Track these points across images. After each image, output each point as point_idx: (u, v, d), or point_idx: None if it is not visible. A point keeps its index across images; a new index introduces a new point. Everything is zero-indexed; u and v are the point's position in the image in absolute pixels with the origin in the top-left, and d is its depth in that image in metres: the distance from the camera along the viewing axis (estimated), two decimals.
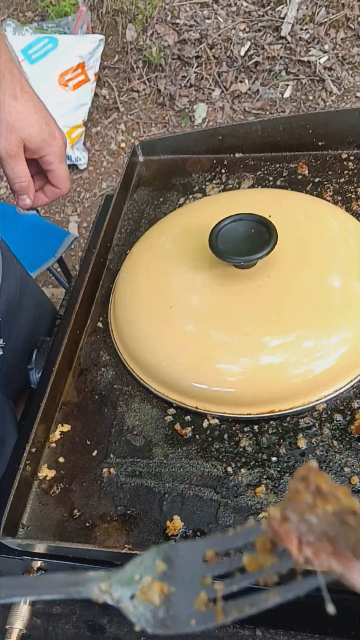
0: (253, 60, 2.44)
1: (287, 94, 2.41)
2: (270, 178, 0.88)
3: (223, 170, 0.91)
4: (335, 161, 0.88)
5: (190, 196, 0.89)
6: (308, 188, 0.86)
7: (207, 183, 0.90)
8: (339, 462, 0.61)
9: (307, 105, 2.37)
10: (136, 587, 0.38)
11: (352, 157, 0.88)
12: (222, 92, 2.43)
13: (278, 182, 0.88)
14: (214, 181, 0.90)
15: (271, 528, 0.35)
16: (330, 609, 0.32)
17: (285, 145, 0.90)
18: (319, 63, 2.42)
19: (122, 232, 0.88)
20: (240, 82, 2.43)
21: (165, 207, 0.89)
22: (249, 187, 0.88)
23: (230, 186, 0.89)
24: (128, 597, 0.38)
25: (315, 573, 0.35)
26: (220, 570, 0.38)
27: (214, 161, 0.93)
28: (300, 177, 0.88)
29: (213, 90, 2.44)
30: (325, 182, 0.86)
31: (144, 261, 0.77)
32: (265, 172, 0.89)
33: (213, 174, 0.91)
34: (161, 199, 0.90)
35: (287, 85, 2.42)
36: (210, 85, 2.44)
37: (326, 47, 2.45)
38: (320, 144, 0.89)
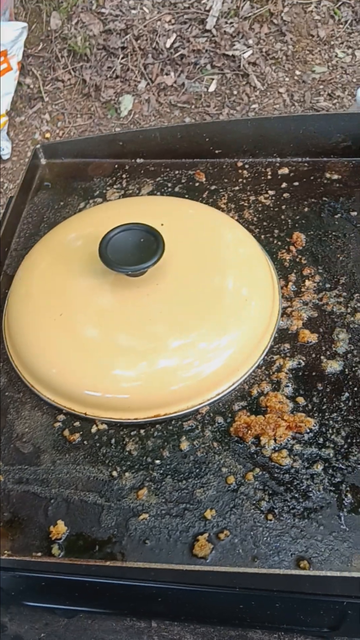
0: (179, 53, 2.45)
1: (212, 88, 2.43)
2: (169, 184, 0.91)
3: (124, 175, 0.93)
4: (231, 169, 0.91)
5: (91, 201, 0.90)
6: (204, 195, 0.88)
7: (108, 188, 0.92)
8: (218, 462, 0.65)
9: (232, 100, 2.41)
10: None
11: (247, 166, 0.91)
12: (148, 84, 2.43)
13: (176, 189, 0.90)
14: (115, 186, 0.92)
15: None
16: None
17: (184, 152, 0.92)
18: (243, 58, 2.46)
19: (21, 236, 0.88)
20: (166, 74, 2.44)
21: (66, 211, 0.90)
22: (148, 193, 0.90)
23: (131, 191, 0.91)
24: None
25: None
26: None
27: (116, 166, 0.94)
28: (197, 184, 0.90)
29: (139, 82, 2.43)
30: (221, 190, 0.89)
31: (39, 267, 0.78)
32: (165, 178, 0.92)
33: (114, 178, 0.93)
34: (62, 203, 0.91)
35: (212, 79, 2.45)
36: (136, 77, 2.43)
37: (250, 41, 2.49)
38: (217, 152, 0.92)
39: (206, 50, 2.46)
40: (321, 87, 2.47)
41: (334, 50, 2.54)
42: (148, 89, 2.43)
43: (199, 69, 2.45)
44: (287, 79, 2.47)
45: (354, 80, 2.46)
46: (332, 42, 2.57)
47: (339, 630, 0.68)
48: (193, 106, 2.41)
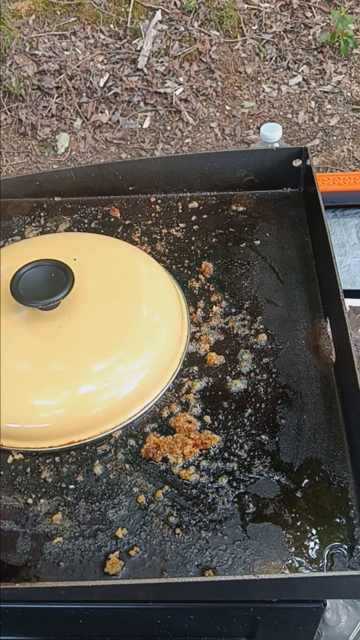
0: (112, 92, 2.53)
1: (146, 125, 2.52)
2: (86, 221, 0.95)
3: (42, 214, 0.97)
4: (144, 204, 0.97)
5: (10, 239, 0.94)
6: (119, 230, 0.93)
7: (26, 226, 0.96)
8: (129, 483, 0.68)
9: (166, 136, 2.49)
10: None
11: (159, 201, 0.97)
12: (84, 122, 2.50)
13: (93, 225, 0.95)
14: (33, 224, 0.96)
15: None
16: None
17: (99, 190, 0.97)
18: (175, 95, 2.56)
19: None
20: (101, 112, 2.51)
21: None
22: (65, 230, 0.94)
23: (49, 229, 0.95)
24: None
25: None
26: None
27: (34, 205, 0.98)
28: (112, 219, 0.95)
29: (74, 120, 2.50)
30: (135, 224, 0.94)
31: None
32: (82, 215, 0.96)
33: (33, 217, 0.97)
34: None
35: (146, 116, 2.53)
36: (71, 115, 2.50)
37: (181, 79, 2.59)
38: (130, 188, 0.97)
39: (139, 89, 2.55)
40: (250, 120, 2.58)
41: (261, 86, 2.67)
42: (84, 126, 2.50)
43: (133, 106, 2.54)
44: (217, 114, 2.58)
45: (281, 113, 2.59)
46: (259, 78, 2.69)
47: (257, 638, 0.72)
48: (128, 142, 2.48)
